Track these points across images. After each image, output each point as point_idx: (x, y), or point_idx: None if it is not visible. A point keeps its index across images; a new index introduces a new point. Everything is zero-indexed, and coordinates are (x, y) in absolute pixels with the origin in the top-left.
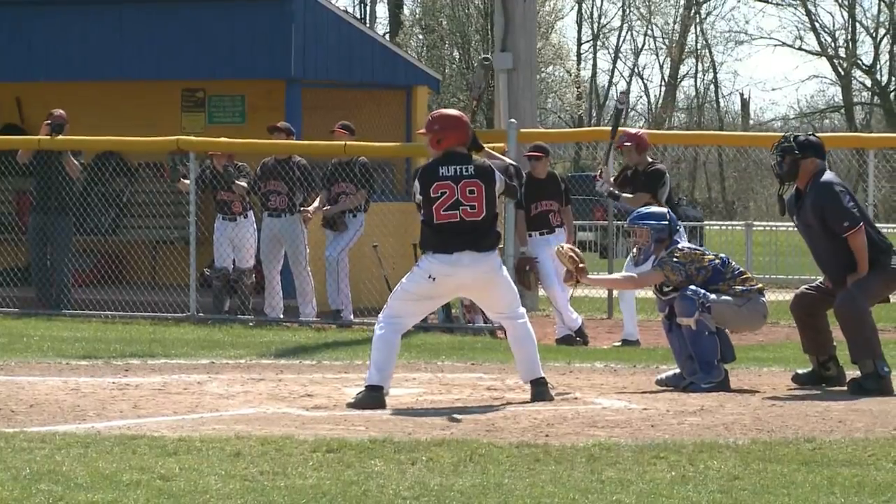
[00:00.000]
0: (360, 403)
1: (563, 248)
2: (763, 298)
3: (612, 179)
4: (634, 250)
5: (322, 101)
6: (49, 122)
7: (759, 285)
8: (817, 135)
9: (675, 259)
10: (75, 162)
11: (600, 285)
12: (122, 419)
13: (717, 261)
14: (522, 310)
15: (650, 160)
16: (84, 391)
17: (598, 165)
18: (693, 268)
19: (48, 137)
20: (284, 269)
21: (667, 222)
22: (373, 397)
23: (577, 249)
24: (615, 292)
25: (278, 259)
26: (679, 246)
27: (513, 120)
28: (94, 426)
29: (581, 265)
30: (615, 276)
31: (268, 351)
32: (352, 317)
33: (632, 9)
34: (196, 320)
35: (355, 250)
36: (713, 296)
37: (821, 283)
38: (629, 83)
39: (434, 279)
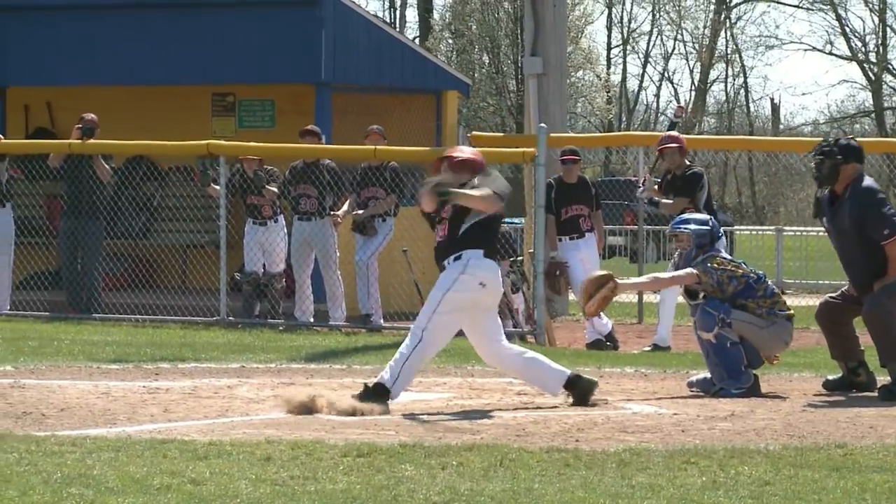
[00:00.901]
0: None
1: (587, 292)
2: (790, 324)
3: (655, 187)
4: (676, 255)
5: (352, 106)
6: (80, 126)
7: (790, 311)
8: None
9: (710, 264)
10: (106, 166)
11: (633, 289)
12: (152, 423)
13: (752, 276)
14: None
15: (688, 163)
16: (114, 395)
17: (644, 173)
18: (726, 276)
19: (79, 141)
20: (314, 273)
21: (709, 227)
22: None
23: (594, 277)
24: (648, 297)
25: (308, 263)
26: (718, 254)
27: (543, 125)
28: (124, 430)
29: (610, 284)
30: (642, 278)
31: (298, 355)
32: (381, 321)
33: (662, 13)
34: (226, 324)
35: (385, 255)
36: (736, 312)
37: (845, 290)
38: (659, 87)
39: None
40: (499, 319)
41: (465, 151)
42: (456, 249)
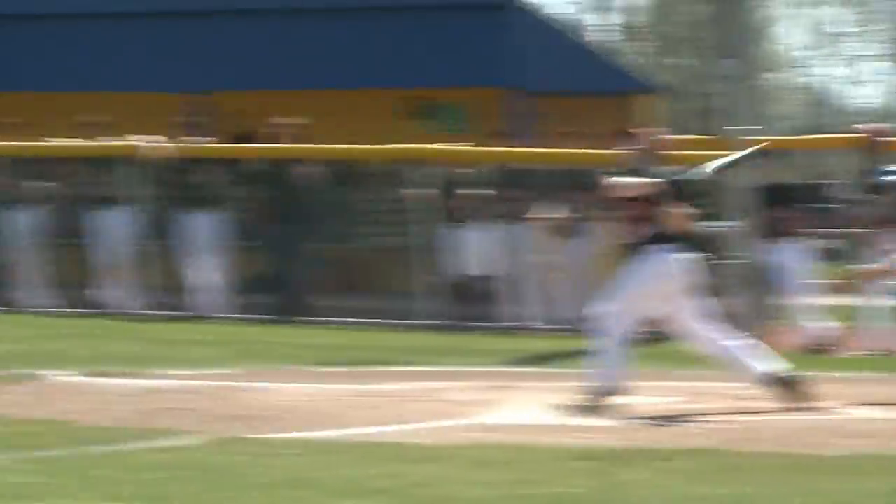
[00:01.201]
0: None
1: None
2: None
3: (857, 188)
4: None
5: (548, 110)
6: (283, 130)
7: None
8: None
9: None
10: (307, 170)
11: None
12: (364, 426)
13: None
14: None
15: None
16: (324, 397)
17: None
18: None
19: (283, 146)
20: (516, 277)
21: None
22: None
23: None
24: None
25: (511, 266)
26: None
27: (740, 127)
28: (336, 433)
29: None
30: (877, 265)
31: (506, 358)
32: (588, 326)
33: (861, 14)
34: (432, 327)
35: (590, 258)
36: None
37: None
38: (858, 88)
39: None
40: (699, 302)
41: (665, 139)
42: (647, 243)
